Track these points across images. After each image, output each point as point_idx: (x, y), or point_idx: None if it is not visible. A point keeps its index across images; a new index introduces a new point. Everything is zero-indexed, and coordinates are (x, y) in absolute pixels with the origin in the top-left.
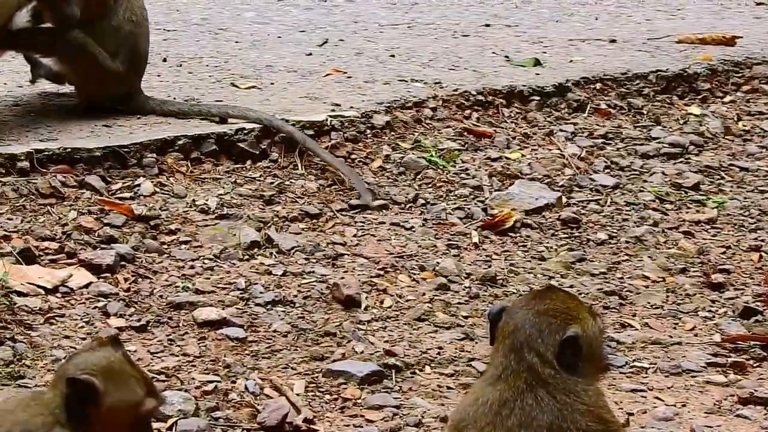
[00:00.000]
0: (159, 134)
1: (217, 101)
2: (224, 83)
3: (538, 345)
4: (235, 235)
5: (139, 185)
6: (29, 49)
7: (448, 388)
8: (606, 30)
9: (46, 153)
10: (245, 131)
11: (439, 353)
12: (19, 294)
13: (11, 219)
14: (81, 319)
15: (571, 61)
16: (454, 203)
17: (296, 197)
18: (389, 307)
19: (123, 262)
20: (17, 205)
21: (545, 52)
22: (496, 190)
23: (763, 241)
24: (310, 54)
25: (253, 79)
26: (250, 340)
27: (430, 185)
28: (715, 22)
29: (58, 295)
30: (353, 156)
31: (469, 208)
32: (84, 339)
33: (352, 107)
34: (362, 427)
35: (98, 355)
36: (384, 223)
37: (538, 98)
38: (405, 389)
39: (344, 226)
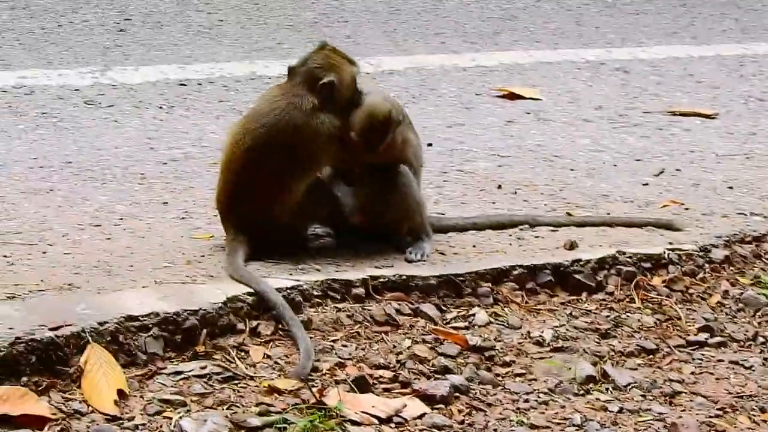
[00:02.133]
0: (494, 264)
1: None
2: (559, 212)
3: None
4: (570, 368)
5: (473, 315)
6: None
7: None
8: None
9: (381, 280)
10: (581, 263)
11: None
12: (353, 423)
13: (346, 346)
14: None
15: None
16: None
17: (633, 331)
18: None
19: (457, 393)
20: (352, 332)
21: None
22: None
23: None
24: (647, 184)
25: (588, 209)
26: None
27: None
28: None
29: (392, 425)
30: (690, 291)
31: None
32: None
33: (689, 240)
34: None
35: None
36: (722, 360)
37: None
38: None
39: (681, 363)
